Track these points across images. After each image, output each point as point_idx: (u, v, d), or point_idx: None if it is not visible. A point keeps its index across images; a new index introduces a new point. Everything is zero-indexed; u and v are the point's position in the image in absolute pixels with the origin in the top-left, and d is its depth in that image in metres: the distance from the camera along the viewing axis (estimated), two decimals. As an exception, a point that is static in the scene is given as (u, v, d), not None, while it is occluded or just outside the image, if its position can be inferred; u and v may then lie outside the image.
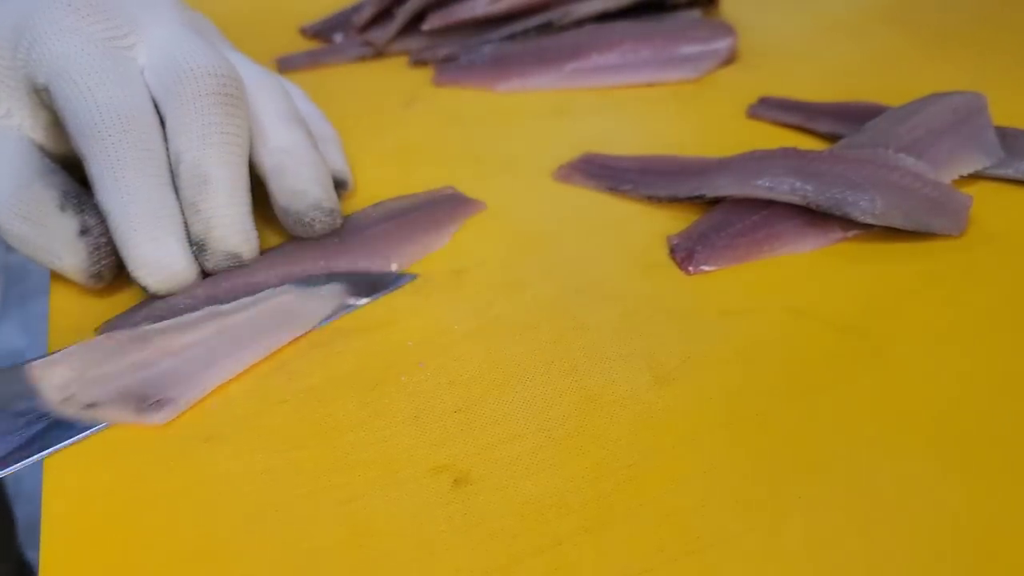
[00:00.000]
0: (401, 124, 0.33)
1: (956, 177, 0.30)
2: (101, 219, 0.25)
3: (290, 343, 0.25)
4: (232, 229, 0.26)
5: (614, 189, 0.31)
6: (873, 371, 0.24)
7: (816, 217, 0.28)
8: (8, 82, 0.26)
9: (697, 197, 0.30)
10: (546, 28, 0.42)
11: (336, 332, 0.26)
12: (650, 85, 0.38)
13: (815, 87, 0.36)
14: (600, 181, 0.32)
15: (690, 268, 0.28)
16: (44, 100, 0.26)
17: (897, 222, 0.28)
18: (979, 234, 0.28)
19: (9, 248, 0.26)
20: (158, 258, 0.25)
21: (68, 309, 0.27)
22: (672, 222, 0.30)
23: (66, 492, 0.21)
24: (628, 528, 0.20)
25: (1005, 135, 0.32)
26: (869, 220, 0.27)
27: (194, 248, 0.26)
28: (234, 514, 0.20)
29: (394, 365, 0.24)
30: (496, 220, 0.30)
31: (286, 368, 0.24)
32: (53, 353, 0.24)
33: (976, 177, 0.31)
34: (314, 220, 0.28)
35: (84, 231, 0.26)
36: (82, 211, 0.26)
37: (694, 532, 0.20)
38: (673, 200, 0.30)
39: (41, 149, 0.27)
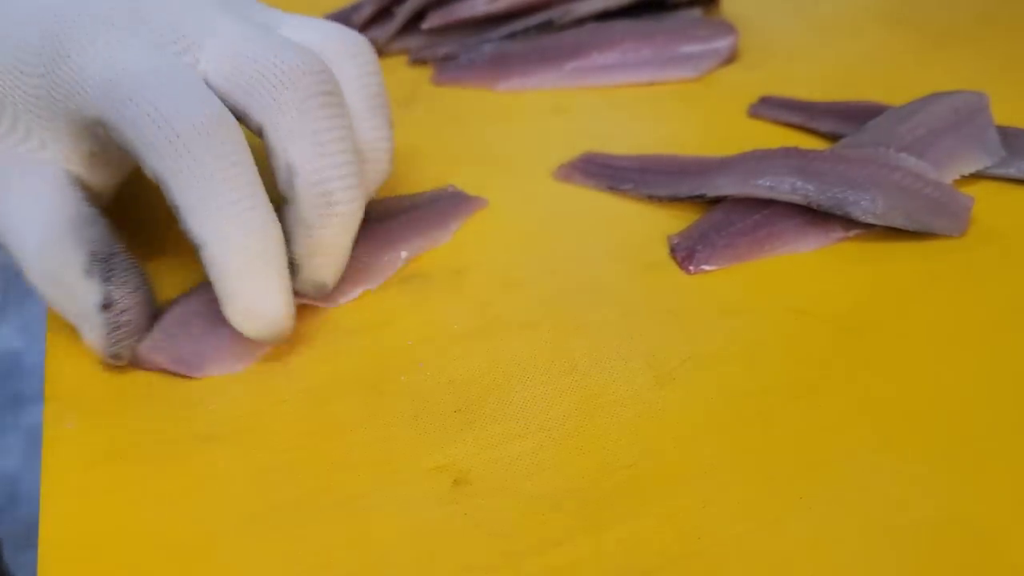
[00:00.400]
0: (400, 123, 0.33)
1: (957, 177, 0.30)
2: (129, 290, 0.23)
3: (290, 343, 0.25)
4: (336, 259, 0.24)
5: (614, 188, 0.31)
6: (874, 371, 0.24)
7: (817, 217, 0.28)
8: (40, 111, 0.23)
9: (698, 196, 0.30)
10: (546, 27, 0.42)
11: (336, 331, 0.26)
12: (651, 84, 0.38)
13: (816, 86, 0.36)
14: (600, 180, 0.32)
15: (691, 267, 0.27)
16: (100, 134, 0.23)
17: (898, 222, 0.28)
18: (980, 234, 0.28)
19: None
20: (263, 306, 0.23)
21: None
22: (672, 221, 0.30)
23: (64, 492, 0.21)
24: (628, 528, 0.20)
25: (1007, 134, 0.32)
26: (870, 220, 0.27)
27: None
28: (233, 514, 0.20)
29: (394, 365, 0.24)
30: (496, 220, 0.30)
31: (286, 368, 0.24)
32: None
33: (977, 177, 0.31)
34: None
35: (106, 305, 0.23)
36: (108, 279, 0.23)
37: (695, 532, 0.20)
38: (673, 199, 0.30)
39: (80, 182, 0.24)
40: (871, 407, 0.23)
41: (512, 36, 0.42)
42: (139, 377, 0.24)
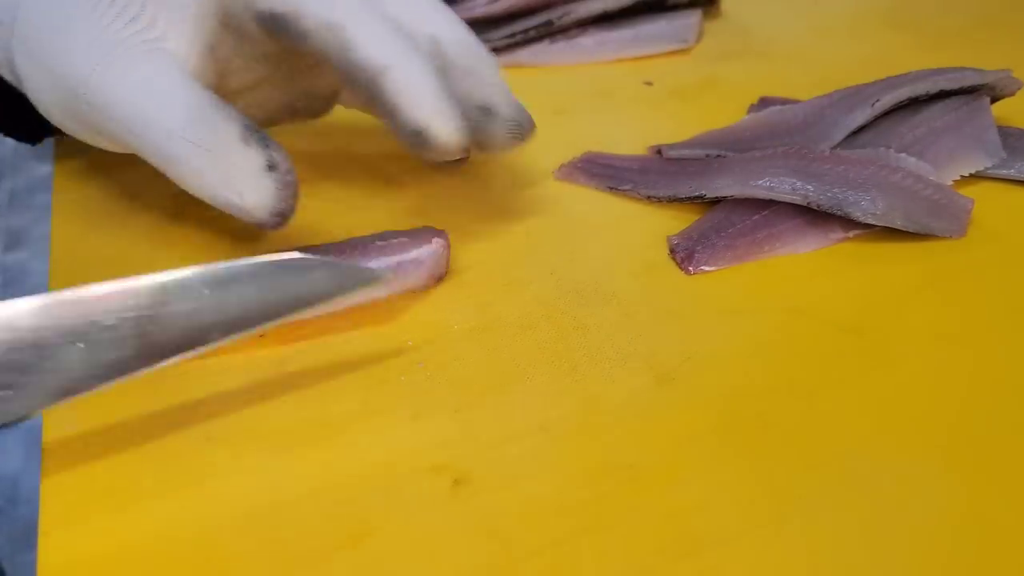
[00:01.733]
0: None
1: (957, 177, 0.30)
2: (286, 156, 0.24)
3: (289, 343, 0.25)
4: (511, 98, 0.27)
5: (614, 189, 0.31)
6: (874, 372, 0.24)
7: (817, 217, 0.28)
8: (176, 3, 0.25)
9: (697, 197, 0.30)
10: (546, 28, 0.42)
11: (335, 331, 0.25)
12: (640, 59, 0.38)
13: (815, 87, 0.36)
14: (600, 180, 0.32)
15: (690, 268, 0.27)
16: (251, 30, 0.25)
17: (898, 223, 0.28)
18: (980, 235, 0.28)
19: (7, 247, 0.25)
20: (448, 116, 0.24)
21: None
22: (672, 222, 0.30)
23: (64, 492, 0.21)
24: (628, 529, 0.20)
25: (1007, 135, 0.32)
26: (870, 220, 0.27)
27: (477, 114, 0.26)
28: (233, 514, 0.20)
29: (394, 365, 0.24)
30: (496, 220, 0.30)
31: (285, 367, 0.24)
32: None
33: (977, 177, 0.31)
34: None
35: (272, 166, 0.24)
36: (267, 146, 0.24)
37: (694, 533, 0.20)
38: (673, 200, 0.30)
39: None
40: (871, 408, 0.23)
41: (512, 38, 0.42)
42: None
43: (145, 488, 0.21)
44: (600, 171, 0.32)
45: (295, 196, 0.24)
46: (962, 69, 0.32)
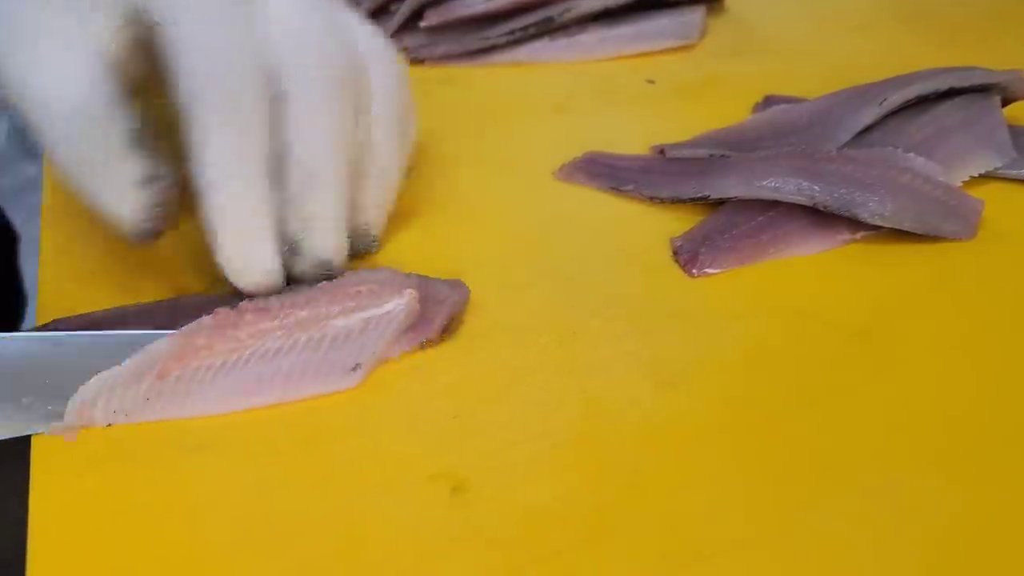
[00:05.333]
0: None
1: (967, 178, 0.30)
2: (169, 168, 0.23)
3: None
4: (331, 234, 0.25)
5: (616, 189, 0.31)
6: (881, 376, 0.23)
7: (823, 218, 0.28)
8: None
9: (701, 198, 0.29)
10: (546, 25, 0.41)
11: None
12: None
13: (822, 85, 0.36)
14: (602, 181, 0.31)
15: (694, 270, 0.27)
16: (141, 35, 0.23)
17: (906, 224, 0.27)
18: (990, 236, 0.28)
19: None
20: (256, 258, 0.23)
21: (55, 309, 0.26)
22: (675, 223, 0.29)
23: (54, 500, 0.20)
24: (630, 537, 0.19)
25: (1017, 135, 0.31)
26: (878, 222, 0.27)
27: (285, 250, 0.24)
28: (226, 524, 0.20)
29: (391, 370, 0.24)
30: (496, 221, 0.30)
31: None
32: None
33: (987, 178, 0.30)
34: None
35: (151, 178, 0.23)
36: (152, 154, 0.22)
37: (697, 540, 0.19)
38: (676, 201, 0.30)
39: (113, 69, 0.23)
40: (878, 413, 0.22)
41: (512, 35, 0.41)
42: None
43: (135, 497, 0.20)
44: (601, 171, 0.32)
45: (169, 215, 0.23)
46: (972, 68, 0.32)
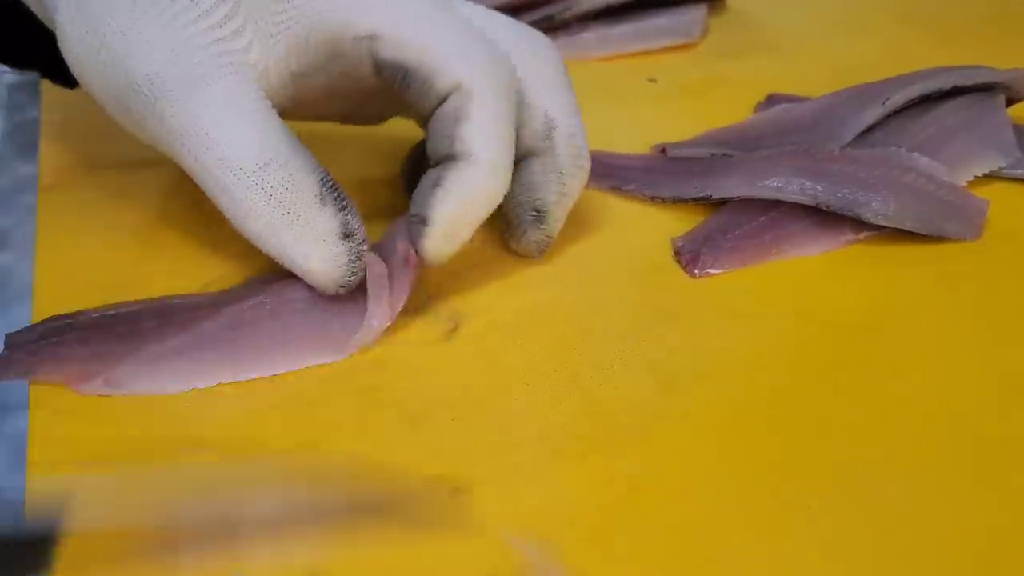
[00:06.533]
0: (400, 123, 0.32)
1: (971, 178, 0.30)
2: (359, 221, 0.22)
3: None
4: (561, 211, 0.27)
5: (617, 189, 0.31)
6: (885, 378, 0.23)
7: (826, 218, 0.28)
8: (266, 5, 0.21)
9: (703, 198, 0.29)
10: (546, 23, 0.41)
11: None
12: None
13: (825, 84, 0.36)
14: (603, 180, 0.31)
15: (695, 271, 0.27)
16: (349, 51, 0.22)
17: (910, 224, 0.27)
18: (995, 236, 0.28)
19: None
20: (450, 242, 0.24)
21: (51, 308, 0.26)
22: (677, 223, 0.29)
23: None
24: (632, 539, 0.19)
25: (1022, 134, 0.31)
26: (881, 222, 0.27)
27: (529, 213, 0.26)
28: (221, 526, 0.20)
29: (390, 371, 0.24)
30: (495, 221, 0.30)
31: (279, 373, 0.24)
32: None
33: (992, 177, 0.30)
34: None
35: (347, 234, 0.22)
36: (343, 208, 0.22)
37: (700, 543, 0.19)
38: (678, 200, 0.30)
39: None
40: (882, 415, 0.22)
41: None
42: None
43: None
44: (603, 171, 0.32)
45: (364, 266, 0.23)
46: (976, 67, 0.32)
